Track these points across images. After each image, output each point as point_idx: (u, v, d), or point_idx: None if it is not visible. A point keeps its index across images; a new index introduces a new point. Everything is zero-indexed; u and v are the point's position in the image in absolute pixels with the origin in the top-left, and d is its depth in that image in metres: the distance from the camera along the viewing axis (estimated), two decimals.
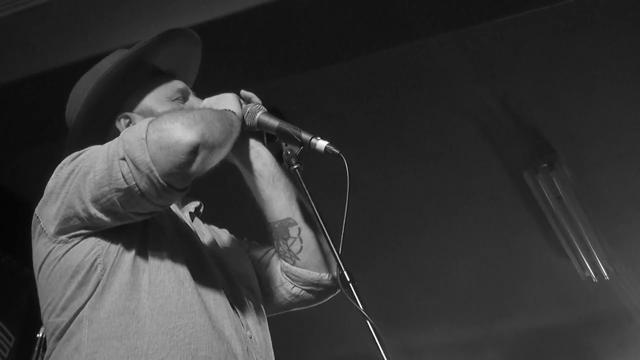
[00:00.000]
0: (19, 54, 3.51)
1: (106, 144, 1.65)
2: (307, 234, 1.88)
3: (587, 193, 4.54)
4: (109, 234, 1.67)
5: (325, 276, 1.89)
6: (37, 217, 1.73)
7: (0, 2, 3.40)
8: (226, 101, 1.84)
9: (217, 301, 1.73)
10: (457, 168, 4.46)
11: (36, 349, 3.56)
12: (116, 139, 1.63)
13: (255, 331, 1.81)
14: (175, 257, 1.71)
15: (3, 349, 4.09)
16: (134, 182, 1.56)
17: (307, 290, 1.92)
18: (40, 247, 1.72)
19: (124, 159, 1.56)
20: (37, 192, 1.77)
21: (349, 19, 3.31)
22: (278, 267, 1.94)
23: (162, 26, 3.22)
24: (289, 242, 1.88)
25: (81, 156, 1.69)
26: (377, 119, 4.12)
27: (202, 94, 1.96)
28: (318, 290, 1.91)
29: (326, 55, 3.51)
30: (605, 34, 3.61)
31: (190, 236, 1.85)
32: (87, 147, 1.76)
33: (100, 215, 1.63)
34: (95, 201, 1.61)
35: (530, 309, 5.49)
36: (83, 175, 1.63)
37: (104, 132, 1.86)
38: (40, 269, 1.72)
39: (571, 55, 3.74)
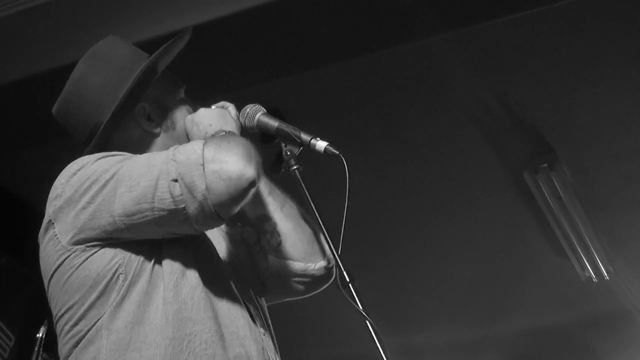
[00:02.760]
0: (19, 54, 3.51)
1: (143, 157, 1.64)
2: (284, 226, 1.88)
3: (587, 193, 4.53)
4: (130, 243, 1.65)
5: (311, 266, 1.89)
6: (52, 222, 1.68)
7: (0, 2, 3.40)
8: (226, 122, 1.81)
9: (230, 301, 1.72)
10: (457, 168, 4.45)
11: (36, 349, 3.55)
12: (162, 157, 1.61)
13: (264, 326, 1.81)
14: (187, 259, 1.69)
15: (3, 349, 4.09)
16: (184, 205, 1.55)
17: (295, 282, 1.92)
18: (52, 253, 1.68)
19: (176, 180, 1.55)
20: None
21: (349, 19, 3.31)
22: (268, 259, 1.94)
23: (162, 26, 3.23)
24: (268, 236, 1.90)
25: (103, 164, 1.65)
26: (377, 119, 4.12)
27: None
28: (306, 280, 1.91)
29: (326, 55, 3.50)
30: (606, 34, 3.61)
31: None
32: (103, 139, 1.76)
33: (125, 229, 1.61)
34: (127, 216, 1.59)
35: (530, 309, 5.48)
36: (113, 188, 1.60)
37: (119, 121, 1.82)
38: (52, 276, 1.69)
39: (571, 55, 3.74)
